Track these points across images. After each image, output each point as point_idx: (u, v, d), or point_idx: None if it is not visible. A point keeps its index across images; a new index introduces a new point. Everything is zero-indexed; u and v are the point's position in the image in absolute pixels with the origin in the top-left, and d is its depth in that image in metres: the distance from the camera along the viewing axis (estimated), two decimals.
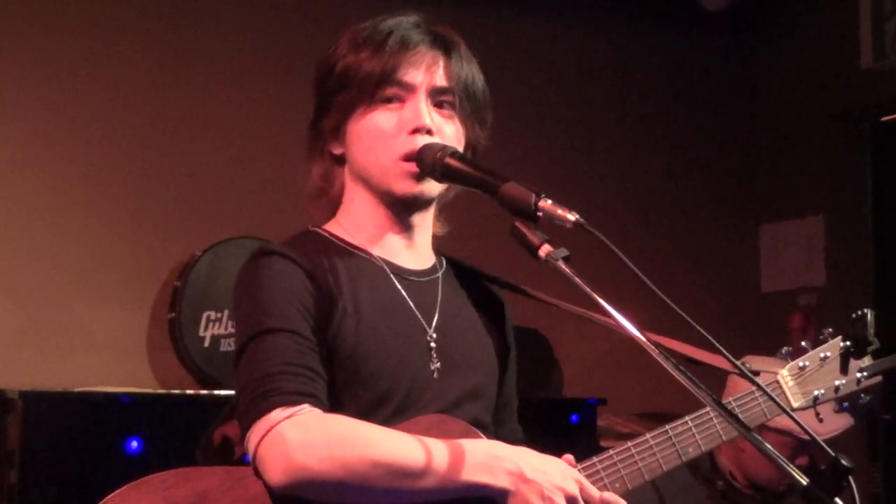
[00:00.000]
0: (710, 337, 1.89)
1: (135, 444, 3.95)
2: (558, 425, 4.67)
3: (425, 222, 2.19)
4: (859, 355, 2.36)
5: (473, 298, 2.24)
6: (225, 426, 2.12)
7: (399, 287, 2.12)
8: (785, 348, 2.37)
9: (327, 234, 2.15)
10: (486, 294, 2.28)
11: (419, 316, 2.12)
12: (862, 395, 2.39)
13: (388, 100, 2.10)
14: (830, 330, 2.40)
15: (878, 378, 2.40)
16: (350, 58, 2.11)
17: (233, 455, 2.08)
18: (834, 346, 2.37)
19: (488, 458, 1.94)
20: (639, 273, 1.85)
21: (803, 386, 2.35)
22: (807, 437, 1.87)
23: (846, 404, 2.39)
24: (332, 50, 2.15)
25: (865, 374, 2.39)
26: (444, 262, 2.25)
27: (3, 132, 4.59)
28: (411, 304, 2.12)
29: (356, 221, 2.15)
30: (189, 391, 4.32)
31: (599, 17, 5.64)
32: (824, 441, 1.80)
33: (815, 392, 2.35)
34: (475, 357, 2.17)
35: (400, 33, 2.11)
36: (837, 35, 5.51)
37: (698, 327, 1.87)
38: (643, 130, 5.76)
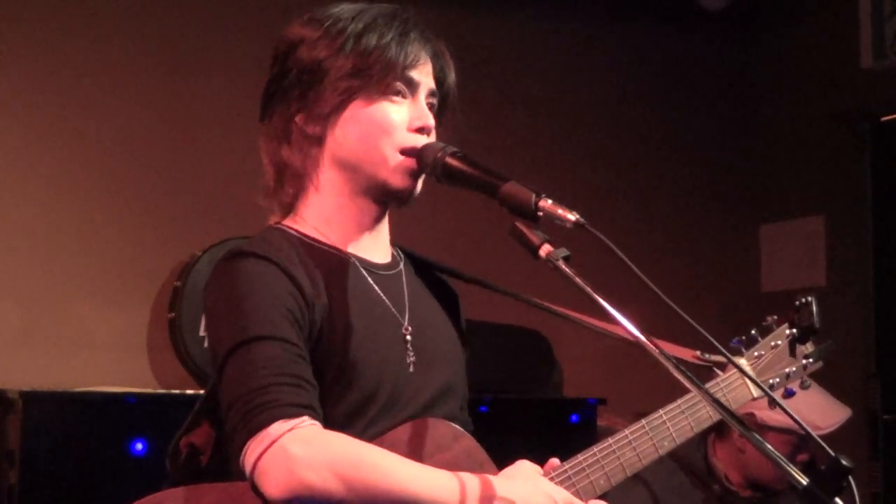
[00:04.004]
0: (709, 336, 1.90)
1: (140, 445, 3.94)
2: (558, 425, 4.67)
3: (387, 216, 2.17)
4: (803, 341, 2.39)
5: (432, 290, 2.23)
6: (190, 434, 2.08)
7: (372, 282, 2.10)
8: (736, 339, 2.38)
9: (294, 232, 2.10)
10: (441, 285, 2.27)
11: (393, 310, 2.10)
12: (805, 379, 2.40)
13: (397, 93, 2.09)
14: (775, 317, 2.41)
15: (821, 363, 2.43)
16: (368, 41, 2.06)
17: (200, 464, 2.05)
18: (781, 334, 2.39)
19: (483, 498, 1.91)
20: (639, 273, 1.85)
21: (760, 375, 2.36)
22: (805, 432, 1.87)
23: (791, 389, 2.40)
24: (322, 26, 2.09)
25: (811, 359, 2.41)
26: (401, 253, 2.23)
27: (2, 132, 4.59)
28: (385, 299, 2.10)
29: (325, 214, 2.11)
30: (190, 391, 4.32)
31: (598, 16, 5.64)
32: (826, 435, 1.81)
33: (770, 381, 2.37)
34: (445, 350, 2.16)
35: (418, 28, 2.11)
36: (837, 35, 5.50)
37: (698, 327, 1.87)
38: (643, 130, 5.75)
